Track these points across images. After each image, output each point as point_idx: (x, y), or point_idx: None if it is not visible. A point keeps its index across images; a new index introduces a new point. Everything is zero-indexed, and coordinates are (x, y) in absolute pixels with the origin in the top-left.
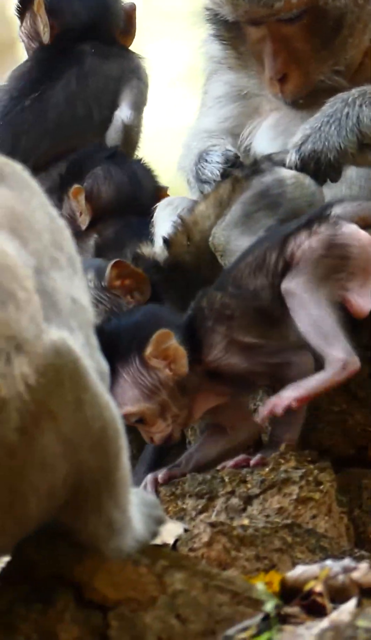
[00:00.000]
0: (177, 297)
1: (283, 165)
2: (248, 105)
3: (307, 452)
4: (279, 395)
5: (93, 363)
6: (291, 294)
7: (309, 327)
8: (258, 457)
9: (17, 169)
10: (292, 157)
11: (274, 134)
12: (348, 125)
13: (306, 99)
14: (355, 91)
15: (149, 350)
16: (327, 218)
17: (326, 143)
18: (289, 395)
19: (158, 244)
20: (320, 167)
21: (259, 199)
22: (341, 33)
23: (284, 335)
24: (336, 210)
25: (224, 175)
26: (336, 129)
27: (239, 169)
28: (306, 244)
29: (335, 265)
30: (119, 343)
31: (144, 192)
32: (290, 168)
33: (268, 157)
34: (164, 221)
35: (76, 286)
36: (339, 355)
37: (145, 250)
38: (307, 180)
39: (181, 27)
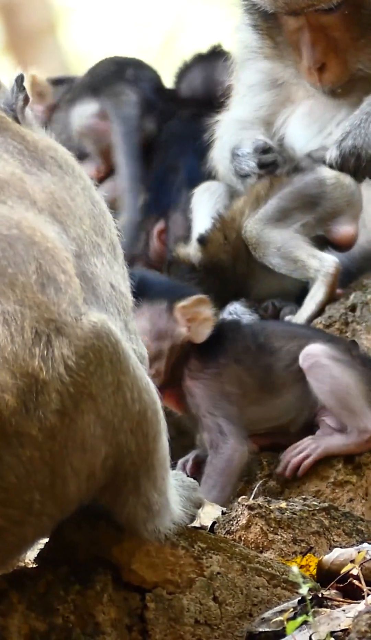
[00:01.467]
0: (213, 298)
1: (323, 162)
2: (281, 93)
3: None
4: (295, 450)
5: (133, 345)
6: (313, 361)
7: (331, 394)
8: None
9: (61, 154)
10: (333, 153)
11: (308, 121)
12: None
13: (343, 88)
14: None
15: (183, 303)
16: None
17: (367, 139)
18: (304, 455)
19: (195, 239)
20: (360, 163)
21: (298, 196)
22: None
23: (271, 406)
24: None
25: (261, 165)
26: None
27: (277, 165)
28: None
29: None
30: (152, 288)
31: None
32: (330, 164)
33: (308, 155)
34: (202, 209)
35: (116, 272)
36: (366, 426)
37: (181, 251)
38: (347, 180)
39: None
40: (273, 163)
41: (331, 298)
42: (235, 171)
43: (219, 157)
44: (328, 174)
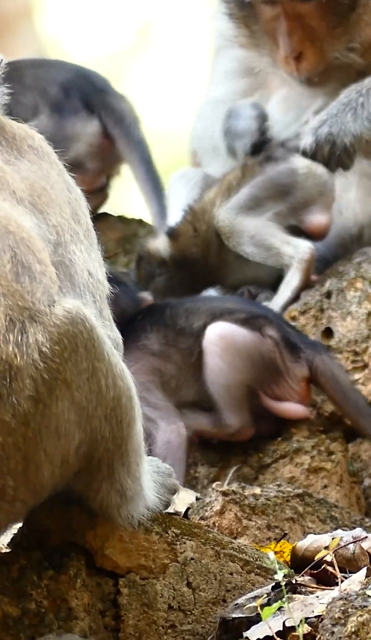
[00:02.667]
0: (186, 291)
1: (297, 151)
2: (257, 81)
3: (319, 422)
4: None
5: (108, 332)
6: (207, 344)
7: (211, 382)
8: None
9: (37, 141)
10: (308, 140)
11: (284, 109)
12: (364, 114)
13: (319, 77)
14: (368, 82)
15: None
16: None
17: (343, 127)
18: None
19: (164, 232)
20: (334, 150)
21: (270, 185)
22: (356, 10)
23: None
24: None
25: (261, 134)
26: (352, 117)
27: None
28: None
29: None
30: None
31: None
32: (304, 150)
33: (282, 144)
34: (177, 197)
35: (93, 259)
36: (230, 423)
37: (151, 246)
38: (319, 170)
39: None
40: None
41: (306, 284)
42: (228, 129)
43: (200, 133)
44: (300, 163)
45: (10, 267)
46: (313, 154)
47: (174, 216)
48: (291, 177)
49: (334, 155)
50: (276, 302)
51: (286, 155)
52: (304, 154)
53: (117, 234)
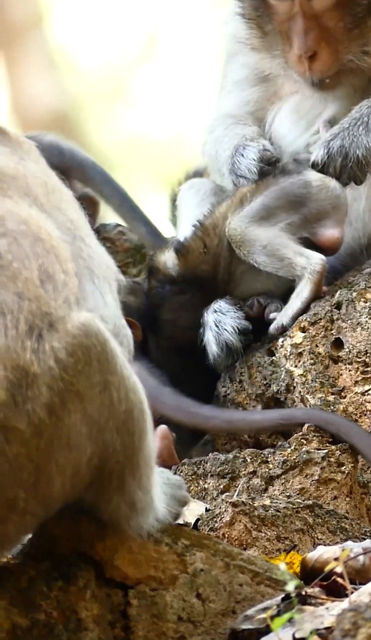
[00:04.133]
0: (196, 306)
1: (309, 163)
2: (268, 89)
3: (329, 433)
4: None
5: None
6: None
7: None
8: None
9: (29, 143)
10: (319, 152)
11: (295, 118)
12: None
13: (331, 79)
14: None
15: None
16: None
17: (355, 140)
18: None
19: (173, 247)
20: (347, 163)
21: (283, 195)
22: None
23: None
24: None
25: (262, 173)
26: (365, 130)
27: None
28: None
29: None
30: None
31: None
32: (316, 162)
33: (295, 159)
34: (187, 208)
35: (105, 252)
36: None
37: (160, 260)
38: (333, 183)
39: None
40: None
41: (317, 295)
42: (231, 167)
43: (211, 151)
44: (313, 176)
45: (38, 274)
46: (325, 167)
47: (184, 228)
48: (304, 189)
49: (346, 168)
50: (286, 313)
51: (300, 168)
52: (316, 166)
53: (127, 244)
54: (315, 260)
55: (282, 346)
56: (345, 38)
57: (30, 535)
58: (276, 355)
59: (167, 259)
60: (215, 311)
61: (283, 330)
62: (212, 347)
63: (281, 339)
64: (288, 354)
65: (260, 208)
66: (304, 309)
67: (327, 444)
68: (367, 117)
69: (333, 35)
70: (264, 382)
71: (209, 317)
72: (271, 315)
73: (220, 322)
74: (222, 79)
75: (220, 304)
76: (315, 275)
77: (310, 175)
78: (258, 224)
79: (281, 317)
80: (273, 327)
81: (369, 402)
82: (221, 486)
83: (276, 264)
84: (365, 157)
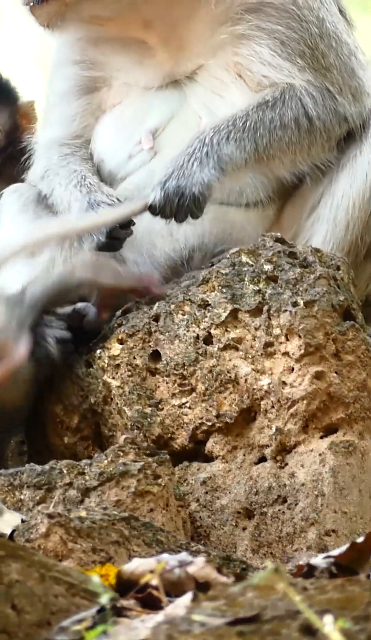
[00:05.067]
0: None
1: (145, 208)
2: (93, 101)
3: (146, 445)
4: None
5: None
6: None
7: None
8: None
9: None
10: (157, 195)
11: (117, 128)
12: (210, 163)
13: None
14: (209, 130)
15: None
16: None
17: (190, 178)
18: None
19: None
20: (183, 202)
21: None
22: None
23: None
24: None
25: (112, 237)
26: (199, 166)
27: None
28: None
29: None
30: None
31: None
32: (153, 205)
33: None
34: (9, 211)
35: None
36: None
37: None
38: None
39: None
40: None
41: None
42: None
43: (46, 187)
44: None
45: None
46: (161, 210)
47: (6, 235)
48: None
49: (183, 207)
50: None
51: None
52: (153, 210)
53: None
54: None
55: (100, 357)
56: None
57: None
58: (94, 366)
59: None
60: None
61: None
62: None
63: (98, 351)
64: (106, 365)
65: None
66: None
67: (144, 456)
68: (200, 152)
69: None
70: (81, 394)
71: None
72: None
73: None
74: (49, 93)
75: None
76: None
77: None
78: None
79: None
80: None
81: (186, 415)
82: (38, 497)
83: None
84: (201, 193)
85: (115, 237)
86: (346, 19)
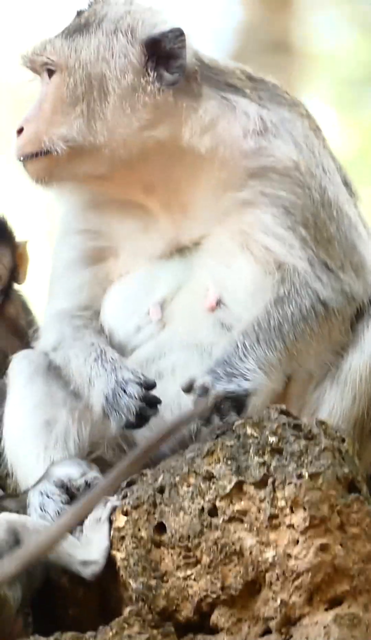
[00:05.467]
0: None
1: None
2: (100, 270)
3: (150, 618)
4: None
5: None
6: None
7: None
8: None
9: None
10: (202, 405)
11: (125, 298)
12: (247, 371)
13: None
14: (239, 335)
15: None
16: None
17: (235, 386)
18: None
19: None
20: (230, 408)
21: None
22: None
23: None
24: None
25: (141, 416)
26: (240, 376)
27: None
28: None
29: None
30: None
31: None
32: (202, 416)
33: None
34: (20, 381)
35: None
36: None
37: None
38: None
39: None
40: None
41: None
42: (112, 398)
43: (61, 359)
44: None
45: None
46: (209, 419)
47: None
48: None
49: (229, 411)
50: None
51: None
52: (203, 418)
53: None
54: None
55: None
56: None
57: None
58: None
59: None
60: (41, 493)
61: None
62: None
63: None
64: (111, 537)
65: None
66: None
67: (149, 628)
68: (237, 359)
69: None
70: None
71: (35, 498)
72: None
73: (45, 506)
74: (54, 262)
75: (45, 486)
76: None
77: None
78: None
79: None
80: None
81: (191, 587)
82: None
83: None
84: (247, 397)
85: (144, 415)
86: (350, 190)
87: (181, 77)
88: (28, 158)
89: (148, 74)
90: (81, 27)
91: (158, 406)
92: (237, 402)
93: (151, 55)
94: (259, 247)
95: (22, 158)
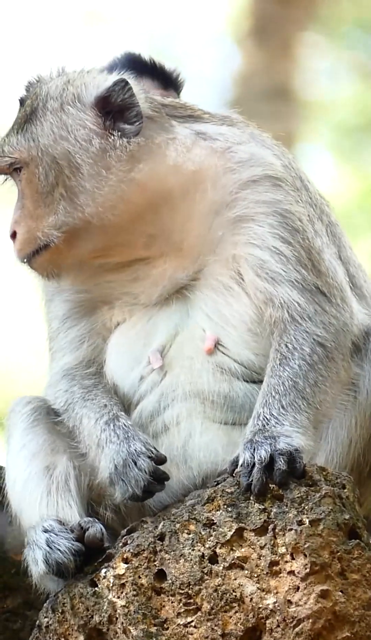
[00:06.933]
0: None
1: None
2: (96, 321)
3: None
4: None
5: None
6: None
7: None
8: None
9: None
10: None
11: (124, 349)
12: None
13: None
14: (260, 409)
15: None
16: None
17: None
18: None
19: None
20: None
21: None
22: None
23: None
24: None
25: (147, 490)
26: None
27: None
28: None
29: None
30: None
31: None
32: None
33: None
34: (21, 426)
35: None
36: None
37: None
38: None
39: None
40: None
41: None
42: (123, 470)
43: (73, 420)
44: None
45: None
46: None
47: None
48: None
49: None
50: None
51: None
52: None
53: None
54: None
55: (105, 577)
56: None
57: None
58: (99, 585)
59: None
60: (46, 530)
61: None
62: (40, 566)
63: (104, 570)
64: (111, 584)
65: None
66: None
67: None
68: (269, 429)
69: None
70: (87, 613)
71: (39, 535)
72: None
73: (53, 543)
74: (47, 320)
75: (50, 523)
76: None
77: None
78: None
79: None
80: None
81: (191, 634)
82: None
83: None
84: (300, 461)
85: (150, 490)
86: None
87: (141, 124)
88: (30, 257)
89: (110, 133)
90: (28, 115)
91: (165, 483)
92: (290, 460)
93: (106, 114)
94: (250, 277)
95: (25, 260)
